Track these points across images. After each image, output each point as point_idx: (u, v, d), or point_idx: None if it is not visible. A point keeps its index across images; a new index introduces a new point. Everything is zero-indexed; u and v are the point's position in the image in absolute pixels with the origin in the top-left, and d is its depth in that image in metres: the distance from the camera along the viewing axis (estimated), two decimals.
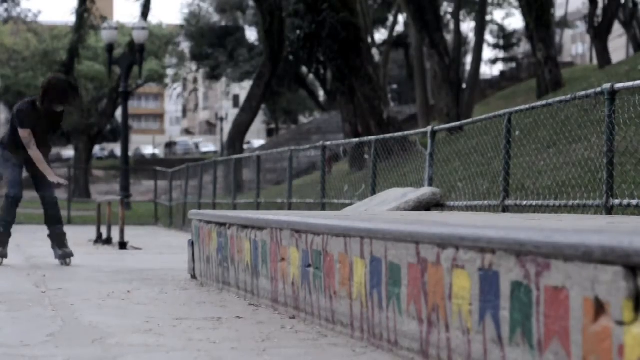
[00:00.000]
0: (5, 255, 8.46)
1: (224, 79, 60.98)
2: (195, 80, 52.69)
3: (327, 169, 12.81)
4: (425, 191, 8.64)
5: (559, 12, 55.51)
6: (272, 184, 30.19)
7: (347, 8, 21.60)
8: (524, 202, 8.14)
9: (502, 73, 54.34)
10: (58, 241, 8.57)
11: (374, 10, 47.32)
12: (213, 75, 55.54)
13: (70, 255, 8.59)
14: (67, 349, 3.81)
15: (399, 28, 50.45)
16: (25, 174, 8.51)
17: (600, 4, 31.94)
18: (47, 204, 8.52)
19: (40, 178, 8.37)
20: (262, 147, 43.40)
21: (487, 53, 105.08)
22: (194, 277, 7.24)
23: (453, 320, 3.20)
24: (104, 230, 12.79)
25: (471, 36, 54.53)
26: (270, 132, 75.90)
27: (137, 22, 26.00)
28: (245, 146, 41.65)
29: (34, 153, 8.14)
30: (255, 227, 5.50)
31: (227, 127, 54.76)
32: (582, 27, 68.31)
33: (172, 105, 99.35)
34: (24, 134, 8.10)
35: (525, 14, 24.28)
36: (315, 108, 59.29)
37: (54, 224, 8.55)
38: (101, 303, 5.50)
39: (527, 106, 8.47)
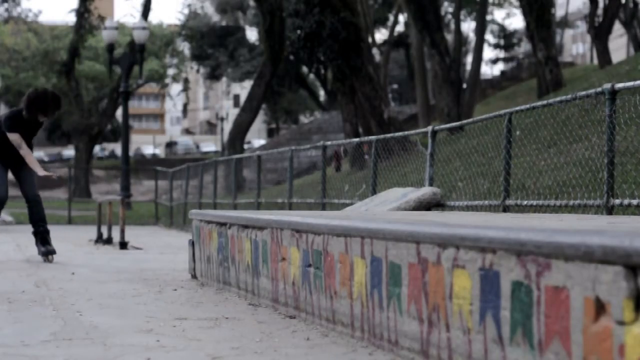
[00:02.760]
0: None
1: (224, 79, 60.99)
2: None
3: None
4: (425, 191, 8.64)
5: (559, 12, 55.55)
6: (272, 184, 30.22)
7: (347, 8, 21.60)
8: (525, 202, 8.14)
9: (503, 73, 54.42)
10: (41, 238, 8.88)
11: (375, 10, 47.35)
12: (214, 75, 55.55)
13: (53, 252, 8.87)
14: (67, 349, 3.81)
15: (400, 28, 50.50)
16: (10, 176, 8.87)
17: (601, 4, 31.93)
18: (31, 202, 8.85)
19: (23, 178, 8.78)
20: (262, 147, 43.44)
21: (488, 53, 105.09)
22: (194, 277, 7.24)
23: (454, 320, 3.20)
24: (104, 230, 12.79)
25: (472, 36, 54.58)
26: (270, 132, 75.90)
27: (138, 22, 25.98)
28: (245, 146, 41.69)
29: (26, 152, 8.53)
30: (256, 227, 5.49)
31: (228, 127, 54.80)
32: (582, 27, 68.33)
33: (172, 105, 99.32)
34: (15, 137, 8.51)
35: (525, 14, 24.28)
36: (316, 108, 59.34)
37: (38, 221, 8.85)
38: (102, 303, 5.50)
39: (527, 106, 8.47)
